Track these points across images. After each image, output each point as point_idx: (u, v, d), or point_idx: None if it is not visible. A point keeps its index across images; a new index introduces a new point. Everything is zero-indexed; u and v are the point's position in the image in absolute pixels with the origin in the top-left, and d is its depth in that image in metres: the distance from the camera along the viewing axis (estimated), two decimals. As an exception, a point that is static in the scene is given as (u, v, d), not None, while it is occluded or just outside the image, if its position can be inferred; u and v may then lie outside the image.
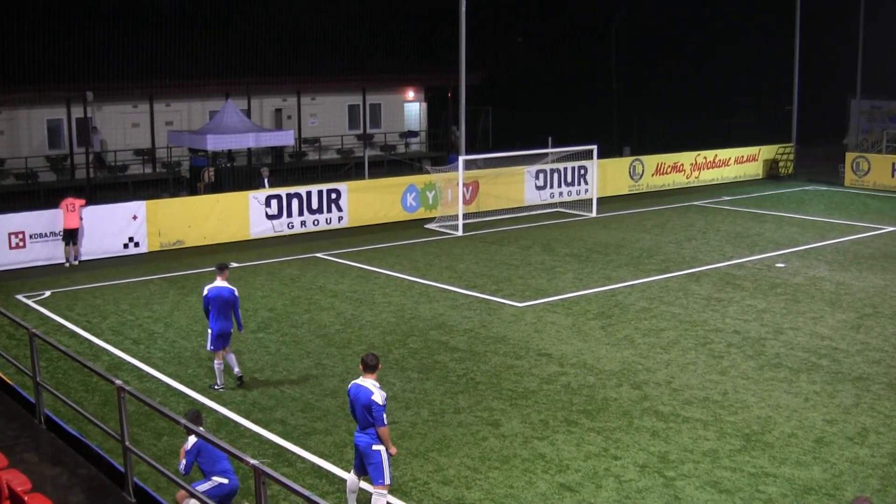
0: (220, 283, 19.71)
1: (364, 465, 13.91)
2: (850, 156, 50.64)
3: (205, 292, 19.84)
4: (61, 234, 31.34)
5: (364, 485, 14.41)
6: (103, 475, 10.96)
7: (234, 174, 42.97)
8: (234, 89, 50.21)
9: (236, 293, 19.81)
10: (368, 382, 13.81)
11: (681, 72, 67.17)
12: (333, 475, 15.74)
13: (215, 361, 19.87)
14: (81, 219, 31.55)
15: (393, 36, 59.88)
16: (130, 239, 32.75)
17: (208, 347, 19.93)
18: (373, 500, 13.81)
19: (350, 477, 14.44)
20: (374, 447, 13.71)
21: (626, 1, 70.19)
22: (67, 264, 31.25)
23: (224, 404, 18.81)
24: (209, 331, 19.75)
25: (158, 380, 20.56)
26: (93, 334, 23.71)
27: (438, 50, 58.19)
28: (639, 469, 15.99)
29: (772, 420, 18.08)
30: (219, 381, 19.84)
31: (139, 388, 19.46)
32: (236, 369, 20.00)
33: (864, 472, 15.88)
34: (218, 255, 31.58)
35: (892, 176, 48.16)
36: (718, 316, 25.10)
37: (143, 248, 32.79)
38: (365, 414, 13.73)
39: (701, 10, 67.14)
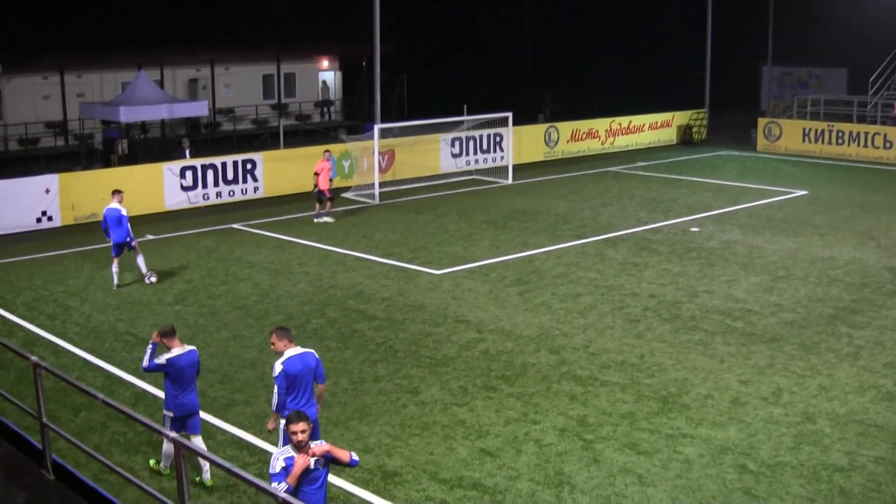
0: (113, 204, 24.60)
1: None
2: (762, 121, 51.23)
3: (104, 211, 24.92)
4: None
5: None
6: (21, 453, 10.84)
7: (147, 146, 42.44)
8: (146, 60, 49.41)
9: (123, 212, 24.53)
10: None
11: (596, 40, 67.39)
12: (254, 446, 15.71)
13: (113, 265, 24.92)
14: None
15: (307, 5, 59.40)
16: (43, 213, 32.20)
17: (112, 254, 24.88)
18: None
19: None
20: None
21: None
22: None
23: (142, 378, 18.62)
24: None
25: (75, 355, 20.35)
26: (6, 310, 23.37)
27: (353, 18, 57.80)
28: (558, 433, 16.15)
29: (688, 382, 18.35)
30: (115, 281, 24.96)
31: (55, 364, 19.19)
32: (143, 269, 25.38)
33: (779, 430, 16.18)
34: (133, 228, 31.29)
35: (803, 141, 48.87)
36: (634, 280, 25.36)
37: (56, 222, 32.27)
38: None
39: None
